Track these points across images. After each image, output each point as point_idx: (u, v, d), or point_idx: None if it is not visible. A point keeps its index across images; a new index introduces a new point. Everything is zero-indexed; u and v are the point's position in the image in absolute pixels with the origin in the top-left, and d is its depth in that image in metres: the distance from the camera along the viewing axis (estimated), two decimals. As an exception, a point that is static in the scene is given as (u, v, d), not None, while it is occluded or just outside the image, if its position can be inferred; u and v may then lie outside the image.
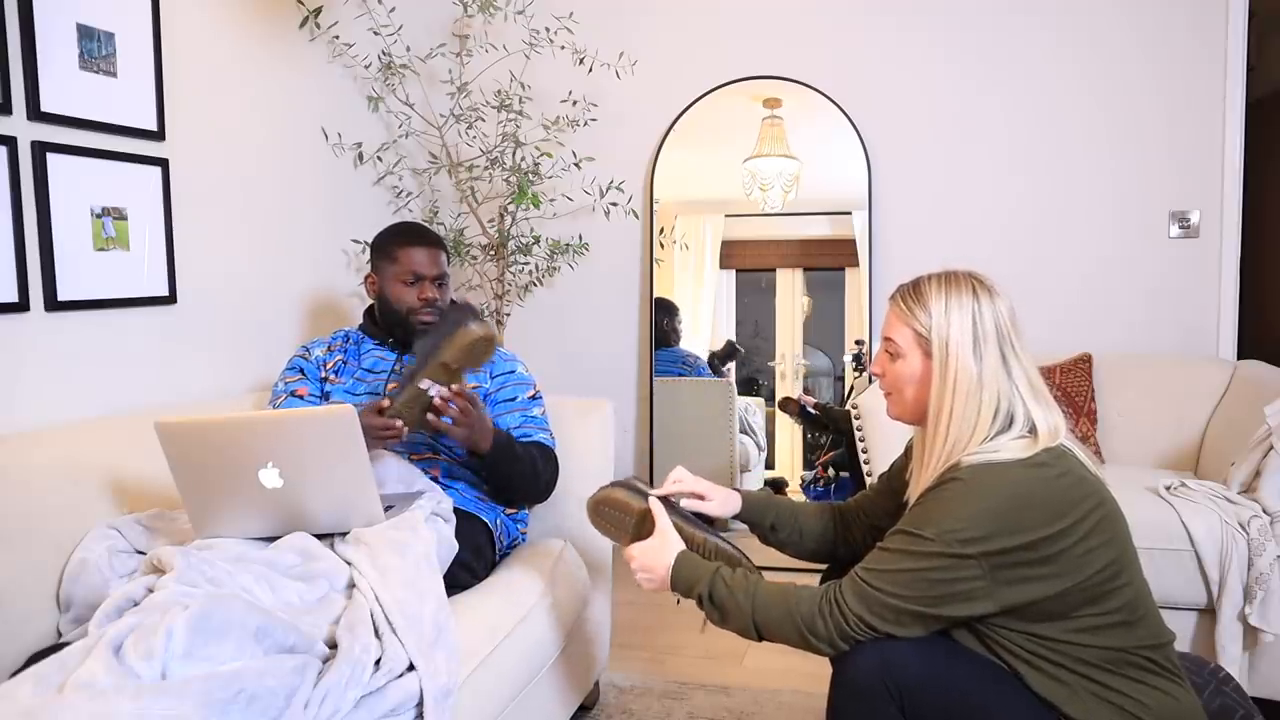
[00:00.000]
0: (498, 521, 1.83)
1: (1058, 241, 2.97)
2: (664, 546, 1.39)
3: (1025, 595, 1.15)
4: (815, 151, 3.13)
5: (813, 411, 3.20)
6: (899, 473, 1.49)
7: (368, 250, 2.15)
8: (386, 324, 1.93)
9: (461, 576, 1.63)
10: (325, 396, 1.87)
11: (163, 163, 2.03)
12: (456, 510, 1.67)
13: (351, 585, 1.37)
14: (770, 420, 3.31)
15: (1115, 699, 1.16)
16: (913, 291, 1.30)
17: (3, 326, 1.70)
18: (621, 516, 1.49)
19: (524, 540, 1.96)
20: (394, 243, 1.91)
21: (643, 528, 1.46)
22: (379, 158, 2.89)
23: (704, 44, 3.19)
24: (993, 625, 1.19)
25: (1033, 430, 1.21)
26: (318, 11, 2.49)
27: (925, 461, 1.26)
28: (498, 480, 1.81)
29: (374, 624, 1.28)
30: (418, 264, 1.87)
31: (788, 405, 3.24)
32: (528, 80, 3.02)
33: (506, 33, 3.00)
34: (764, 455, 3.30)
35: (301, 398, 1.86)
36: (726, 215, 3.24)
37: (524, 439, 1.86)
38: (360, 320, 2.01)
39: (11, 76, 1.69)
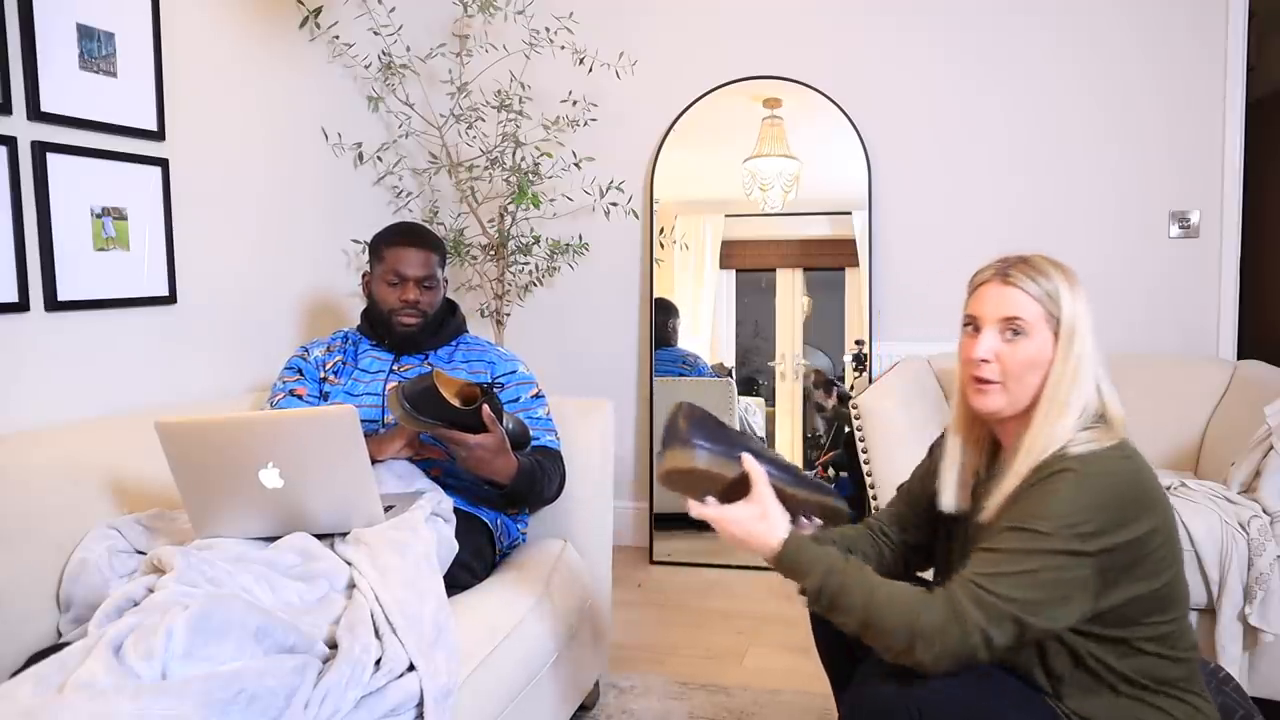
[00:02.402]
0: (498, 522, 1.83)
1: (1058, 241, 2.97)
2: (769, 522, 1.20)
3: (1119, 597, 1.09)
4: (815, 151, 3.13)
5: (845, 391, 3.15)
6: (925, 478, 1.38)
7: (367, 250, 2.15)
8: (372, 323, 1.93)
9: (461, 576, 1.63)
10: (324, 397, 1.87)
11: (163, 163, 2.03)
12: (457, 510, 1.67)
13: (351, 585, 1.37)
14: (770, 420, 3.31)
15: (1152, 716, 1.12)
16: (1030, 266, 1.19)
17: (3, 326, 1.70)
18: (709, 485, 1.26)
19: (524, 540, 1.96)
20: (384, 242, 1.91)
21: (735, 492, 1.25)
22: (379, 158, 2.89)
23: (704, 44, 3.19)
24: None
25: (1102, 418, 1.16)
26: (318, 11, 2.49)
27: (1019, 453, 1.15)
28: (510, 501, 1.78)
29: (374, 624, 1.28)
30: (402, 264, 1.87)
31: (819, 381, 3.22)
32: (528, 80, 3.02)
33: (506, 33, 3.00)
34: (764, 455, 3.29)
35: (300, 398, 1.86)
36: (726, 215, 3.24)
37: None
38: (359, 321, 2.01)
39: (11, 76, 1.69)
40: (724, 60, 3.16)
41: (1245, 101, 2.83)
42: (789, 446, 3.31)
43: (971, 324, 1.22)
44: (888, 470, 2.32)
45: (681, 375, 3.25)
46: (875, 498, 2.41)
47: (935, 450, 1.40)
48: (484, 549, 1.76)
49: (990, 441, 1.29)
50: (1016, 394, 1.18)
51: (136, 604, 1.21)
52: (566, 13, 2.98)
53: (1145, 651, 1.12)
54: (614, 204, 3.06)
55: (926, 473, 1.40)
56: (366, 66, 2.79)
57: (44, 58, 1.74)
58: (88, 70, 1.84)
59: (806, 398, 3.26)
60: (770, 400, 3.31)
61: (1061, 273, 1.19)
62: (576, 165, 3.02)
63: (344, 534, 1.45)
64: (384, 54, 2.81)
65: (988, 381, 1.19)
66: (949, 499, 1.28)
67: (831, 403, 3.21)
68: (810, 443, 3.29)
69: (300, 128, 2.55)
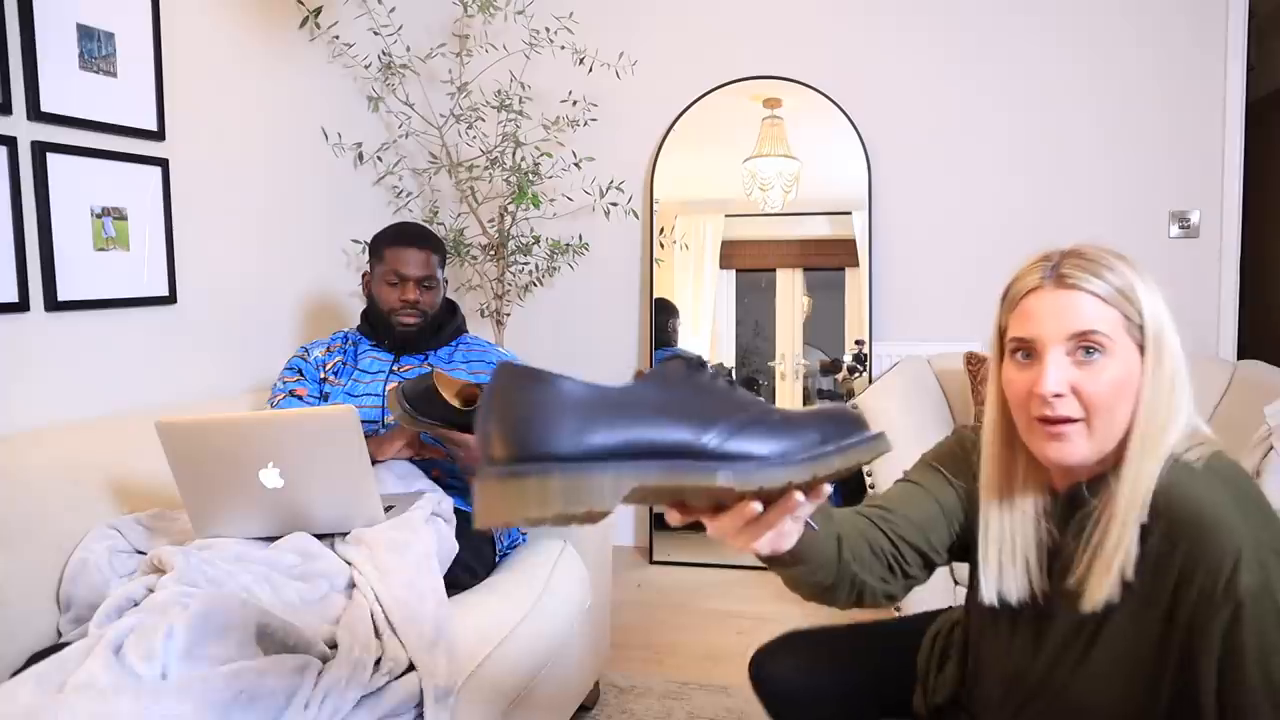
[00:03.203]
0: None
1: (1058, 242, 2.96)
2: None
3: None
4: (815, 151, 3.13)
5: (857, 366, 3.13)
6: (958, 465, 1.09)
7: (367, 250, 2.15)
8: (372, 323, 1.93)
9: (462, 577, 1.63)
10: (324, 397, 1.87)
11: (163, 163, 2.03)
12: (457, 510, 1.67)
13: (351, 585, 1.37)
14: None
15: None
16: (1087, 259, 0.93)
17: (3, 326, 1.70)
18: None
19: (524, 540, 1.96)
20: (384, 242, 1.92)
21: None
22: (379, 158, 2.89)
23: (704, 44, 3.19)
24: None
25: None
26: (318, 11, 2.49)
27: (1115, 510, 0.89)
28: None
29: (374, 624, 1.28)
30: (402, 264, 1.88)
31: (826, 366, 3.21)
32: (528, 80, 3.02)
33: (506, 33, 3.00)
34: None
35: (301, 398, 1.86)
36: (726, 215, 3.24)
37: None
38: (359, 321, 2.01)
39: (11, 76, 1.69)
40: (724, 60, 3.16)
41: (1245, 101, 2.83)
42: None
43: (1023, 348, 0.94)
44: (888, 471, 2.32)
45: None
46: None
47: (964, 439, 1.10)
48: (484, 549, 1.76)
49: (1046, 493, 1.00)
50: (1105, 432, 0.90)
51: (136, 604, 1.21)
52: (566, 13, 2.98)
53: None
54: (614, 204, 3.06)
55: (957, 457, 1.10)
56: (366, 66, 2.79)
57: (44, 58, 1.74)
58: (88, 70, 1.84)
59: (808, 399, 3.26)
60: (770, 400, 3.31)
61: (1126, 262, 0.93)
62: (576, 165, 3.02)
63: (344, 534, 1.45)
64: (384, 54, 2.81)
65: (1065, 421, 0.90)
66: (1009, 586, 0.98)
67: (841, 375, 3.19)
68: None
69: (300, 128, 2.55)
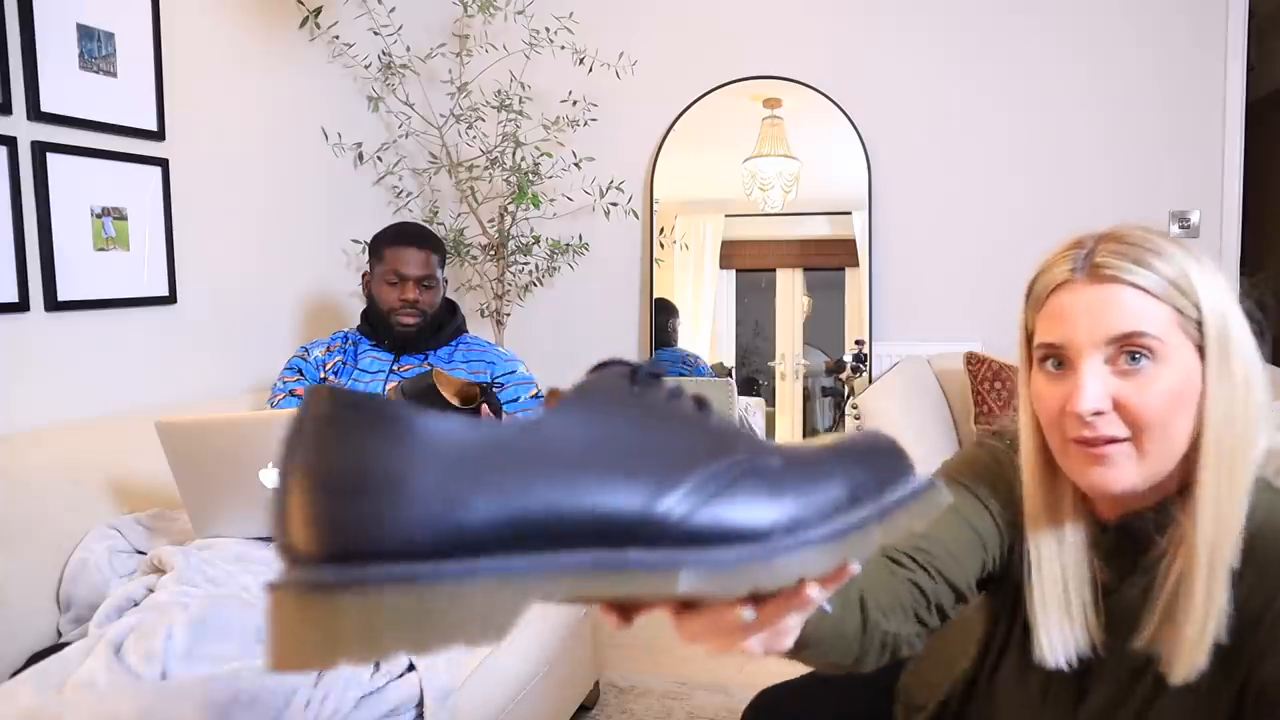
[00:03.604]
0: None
1: (1058, 241, 2.97)
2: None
3: None
4: (815, 151, 3.12)
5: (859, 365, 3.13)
6: (993, 484, 0.89)
7: (367, 250, 2.15)
8: (372, 323, 1.93)
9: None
10: (325, 396, 1.87)
11: (163, 163, 2.03)
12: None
13: (351, 585, 1.37)
14: (770, 420, 3.31)
15: None
16: (1129, 244, 0.76)
17: (3, 326, 1.70)
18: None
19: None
20: (383, 242, 1.92)
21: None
22: (379, 158, 2.89)
23: (704, 44, 3.19)
24: None
25: None
26: (318, 11, 2.49)
27: (1194, 557, 0.72)
28: None
29: (374, 624, 1.28)
30: (402, 264, 1.88)
31: (830, 367, 3.21)
32: (528, 80, 3.02)
33: (506, 33, 2.99)
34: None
35: (300, 398, 1.86)
36: (726, 215, 3.24)
37: None
38: (359, 321, 2.01)
39: (11, 76, 1.69)
40: (724, 60, 3.16)
41: (1245, 101, 2.83)
42: (789, 446, 3.30)
43: (1053, 356, 0.77)
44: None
45: (682, 375, 3.25)
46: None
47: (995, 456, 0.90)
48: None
49: (1092, 524, 0.83)
50: (1158, 453, 0.74)
51: (136, 604, 1.21)
52: (566, 13, 2.98)
53: None
54: (614, 204, 3.06)
55: (999, 482, 0.89)
56: (366, 66, 2.79)
57: (44, 58, 1.74)
58: (88, 70, 1.84)
59: (808, 398, 3.26)
60: (770, 400, 3.31)
61: (1177, 244, 0.76)
62: (576, 165, 3.02)
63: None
64: (384, 54, 2.81)
65: (1108, 441, 0.73)
66: (1064, 642, 0.80)
67: (845, 374, 3.18)
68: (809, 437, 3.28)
69: (300, 128, 2.55)
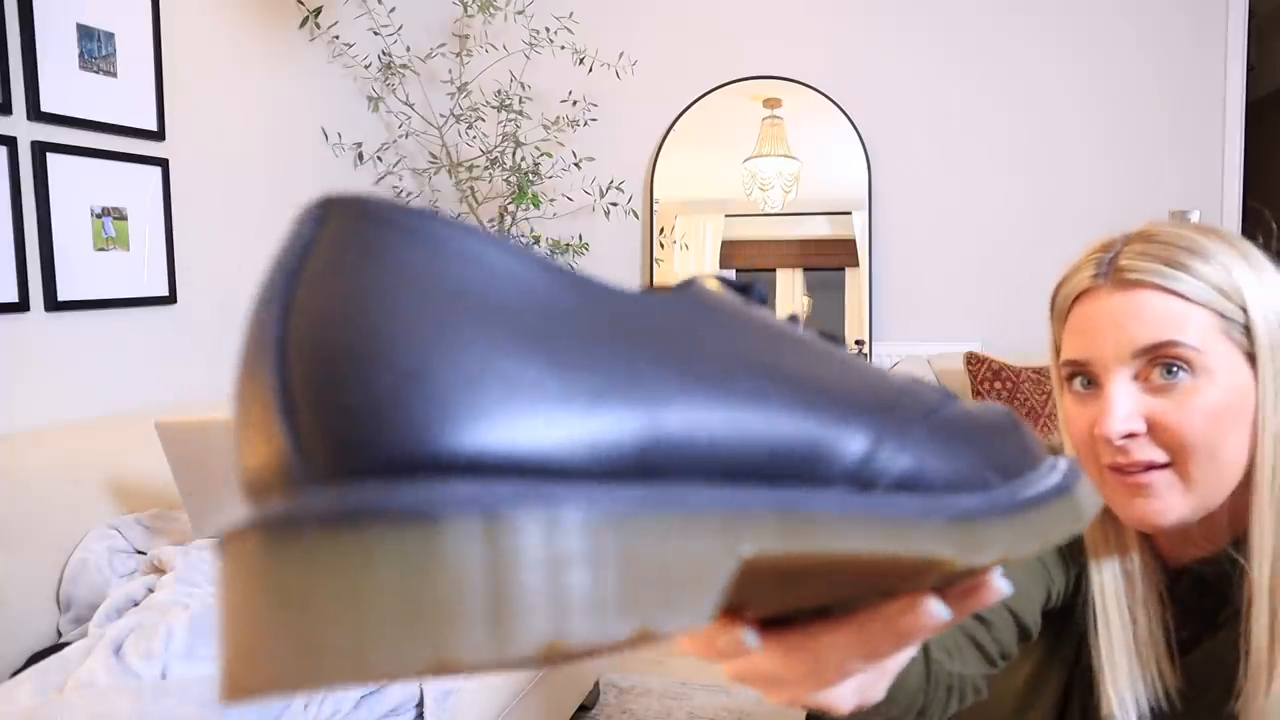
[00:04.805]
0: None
1: (1058, 241, 2.97)
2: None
3: None
4: (815, 151, 3.13)
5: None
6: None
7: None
8: None
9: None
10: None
11: (163, 163, 2.03)
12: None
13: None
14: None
15: None
16: (1163, 244, 0.67)
17: (3, 326, 1.70)
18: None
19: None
20: None
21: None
22: (379, 158, 2.89)
23: (704, 44, 3.19)
24: None
25: None
26: (318, 11, 2.49)
27: (1256, 592, 0.65)
28: None
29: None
30: None
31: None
32: (528, 80, 3.02)
33: (506, 33, 3.00)
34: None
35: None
36: (726, 215, 3.24)
37: None
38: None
39: (11, 76, 1.69)
40: (724, 60, 3.16)
41: (1245, 101, 2.83)
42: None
43: (1079, 374, 0.69)
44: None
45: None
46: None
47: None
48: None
49: (1162, 574, 0.74)
50: (1207, 479, 0.64)
51: (136, 604, 1.21)
52: (566, 13, 2.98)
53: None
54: (614, 204, 3.06)
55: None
56: (366, 66, 2.79)
57: (44, 58, 1.74)
58: (88, 70, 1.84)
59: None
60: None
61: (1218, 238, 0.67)
62: (576, 165, 3.02)
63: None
64: (384, 54, 2.81)
65: (1147, 468, 0.64)
66: (1135, 697, 0.71)
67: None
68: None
69: (300, 128, 2.55)
